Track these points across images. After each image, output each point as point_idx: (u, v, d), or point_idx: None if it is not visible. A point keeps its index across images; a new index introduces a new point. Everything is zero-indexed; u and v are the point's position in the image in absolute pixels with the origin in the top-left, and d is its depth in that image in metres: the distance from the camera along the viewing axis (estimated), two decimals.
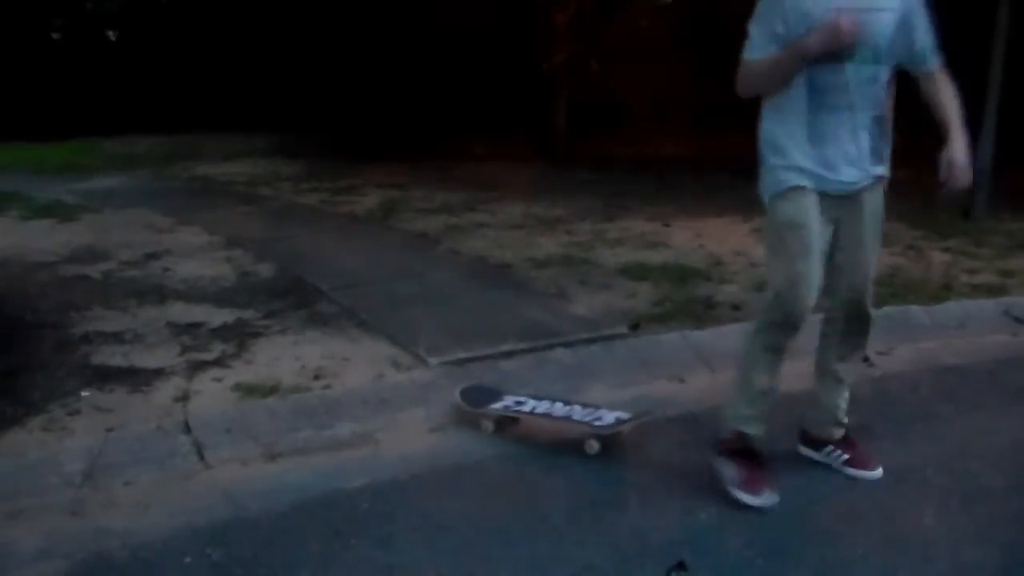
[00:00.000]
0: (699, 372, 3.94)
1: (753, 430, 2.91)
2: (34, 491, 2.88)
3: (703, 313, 4.53)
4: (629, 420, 3.22)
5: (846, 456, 3.04)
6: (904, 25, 2.74)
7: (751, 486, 2.82)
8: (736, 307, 4.64)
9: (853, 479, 3.00)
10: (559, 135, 10.68)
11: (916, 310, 4.62)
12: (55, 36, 14.44)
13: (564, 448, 3.23)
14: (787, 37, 2.64)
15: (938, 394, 3.77)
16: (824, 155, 2.73)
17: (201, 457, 3.11)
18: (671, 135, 11.26)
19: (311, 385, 3.63)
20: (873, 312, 2.98)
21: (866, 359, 4.12)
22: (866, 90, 2.71)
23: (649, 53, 11.46)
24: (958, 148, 2.71)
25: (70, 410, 3.39)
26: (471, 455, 3.19)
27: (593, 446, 3.13)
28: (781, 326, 2.81)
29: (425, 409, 3.50)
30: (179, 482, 3.00)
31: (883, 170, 2.88)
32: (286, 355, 3.94)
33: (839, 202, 2.79)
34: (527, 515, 2.79)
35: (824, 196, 2.76)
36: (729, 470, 2.87)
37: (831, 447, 3.07)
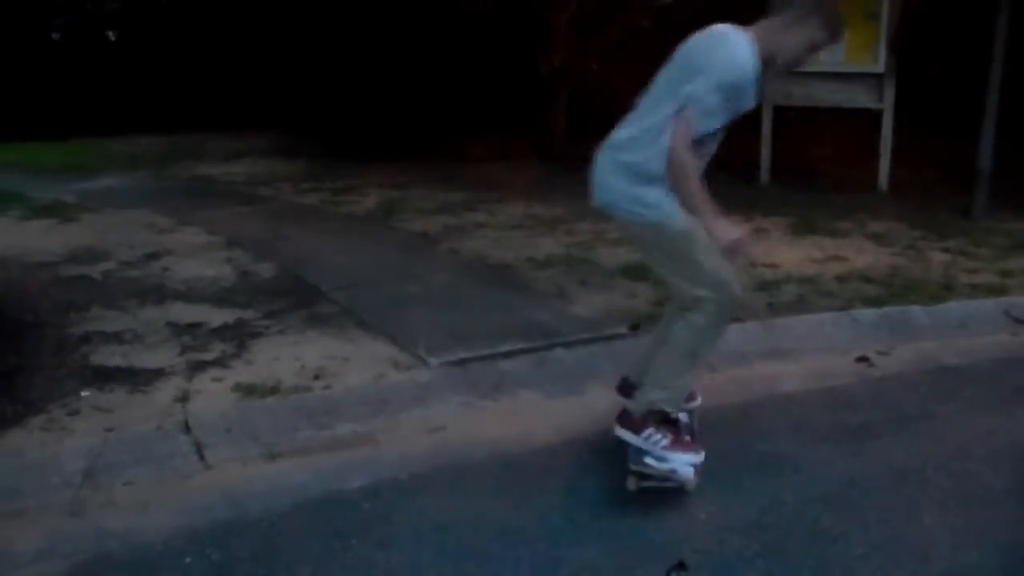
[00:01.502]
0: (699, 372, 3.93)
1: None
2: (34, 491, 2.89)
3: None
4: None
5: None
6: None
7: (686, 446, 2.90)
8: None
9: (851, 478, 3.00)
10: (559, 135, 10.66)
11: (916, 310, 4.62)
12: (55, 36, 14.43)
13: (563, 448, 3.23)
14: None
15: (938, 394, 3.77)
16: None
17: (201, 457, 3.11)
18: None
19: (311, 385, 3.63)
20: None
21: (866, 359, 4.14)
22: None
23: (649, 53, 11.43)
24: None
25: (70, 410, 3.40)
26: (471, 455, 3.19)
27: None
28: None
29: (425, 409, 3.50)
30: (179, 482, 3.00)
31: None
32: (286, 355, 3.94)
33: None
34: (527, 515, 2.79)
35: None
36: (661, 436, 2.87)
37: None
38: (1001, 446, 3.29)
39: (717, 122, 2.70)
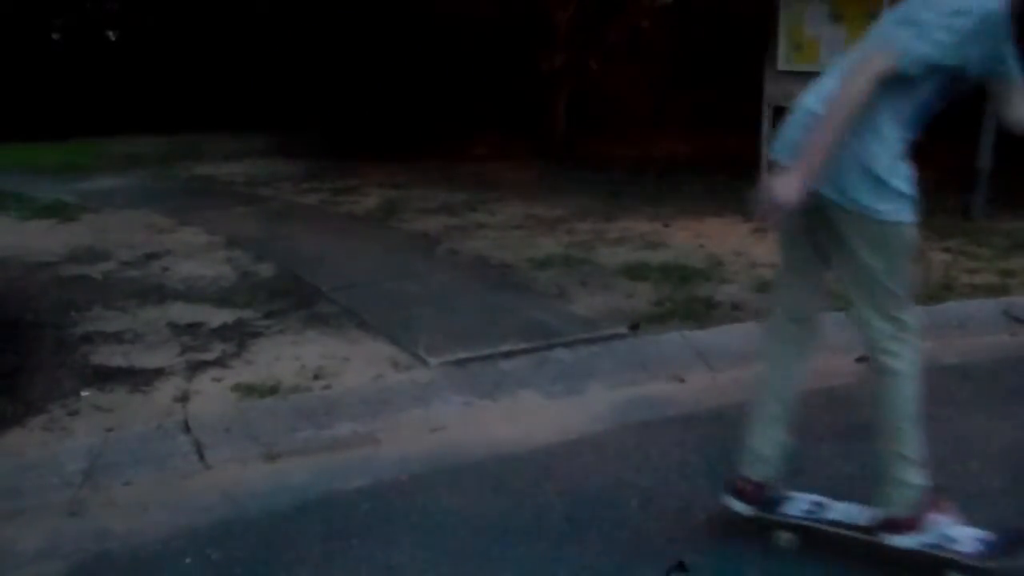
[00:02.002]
0: (699, 372, 3.94)
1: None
2: (34, 491, 2.89)
3: (703, 313, 4.53)
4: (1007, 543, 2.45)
5: None
6: None
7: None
8: (736, 307, 4.64)
9: (851, 478, 3.00)
10: (559, 135, 10.69)
11: (916, 310, 4.61)
12: (55, 36, 14.43)
13: (563, 448, 3.23)
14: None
15: (938, 394, 3.76)
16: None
17: (201, 457, 3.11)
18: (671, 135, 11.26)
19: (311, 385, 3.63)
20: None
21: (866, 359, 4.12)
22: None
23: (649, 53, 11.47)
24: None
25: (70, 410, 3.40)
26: (471, 455, 3.19)
27: None
28: None
29: (425, 409, 3.50)
30: (179, 482, 3.00)
31: None
32: (286, 355, 3.94)
33: None
34: (527, 515, 2.79)
35: None
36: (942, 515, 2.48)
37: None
38: (1001, 446, 3.30)
39: (941, 53, 2.11)
